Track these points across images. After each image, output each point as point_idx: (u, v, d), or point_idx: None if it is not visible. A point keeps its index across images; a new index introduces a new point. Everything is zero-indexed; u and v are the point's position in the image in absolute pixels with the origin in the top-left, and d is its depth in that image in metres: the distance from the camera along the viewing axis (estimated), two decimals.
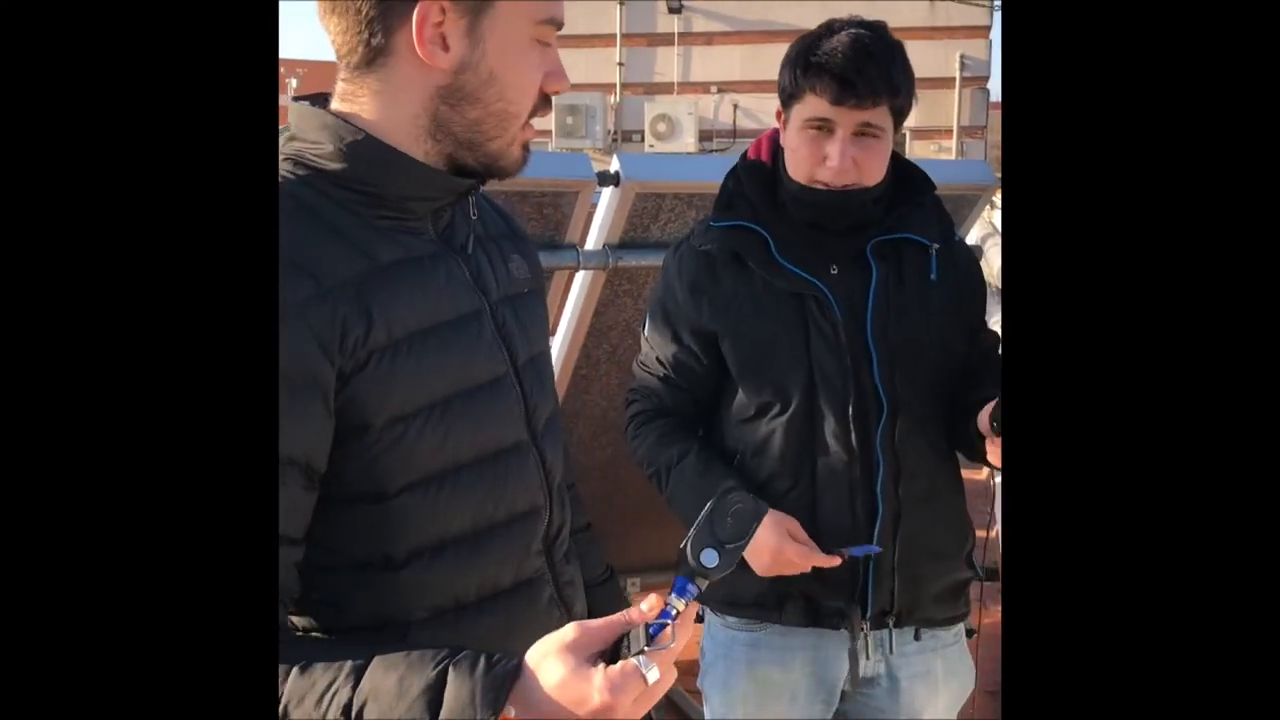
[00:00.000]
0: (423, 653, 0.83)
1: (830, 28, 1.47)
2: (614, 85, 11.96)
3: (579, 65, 11.92)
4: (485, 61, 0.94)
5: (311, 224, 0.90)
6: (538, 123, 1.01)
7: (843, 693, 1.64)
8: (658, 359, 1.61)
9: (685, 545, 0.87)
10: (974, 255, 1.71)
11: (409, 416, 0.91)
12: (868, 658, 1.59)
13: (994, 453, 1.44)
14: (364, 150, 0.93)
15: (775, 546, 1.47)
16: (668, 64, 12.05)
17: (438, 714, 0.78)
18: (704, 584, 0.86)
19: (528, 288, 1.11)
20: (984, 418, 1.43)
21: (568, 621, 0.97)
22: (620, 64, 11.89)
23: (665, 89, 11.99)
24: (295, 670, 0.80)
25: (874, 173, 1.50)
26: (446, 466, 0.94)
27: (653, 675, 0.79)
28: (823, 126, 1.45)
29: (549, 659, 0.80)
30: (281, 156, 0.94)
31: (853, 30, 1.45)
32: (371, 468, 0.89)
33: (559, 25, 0.98)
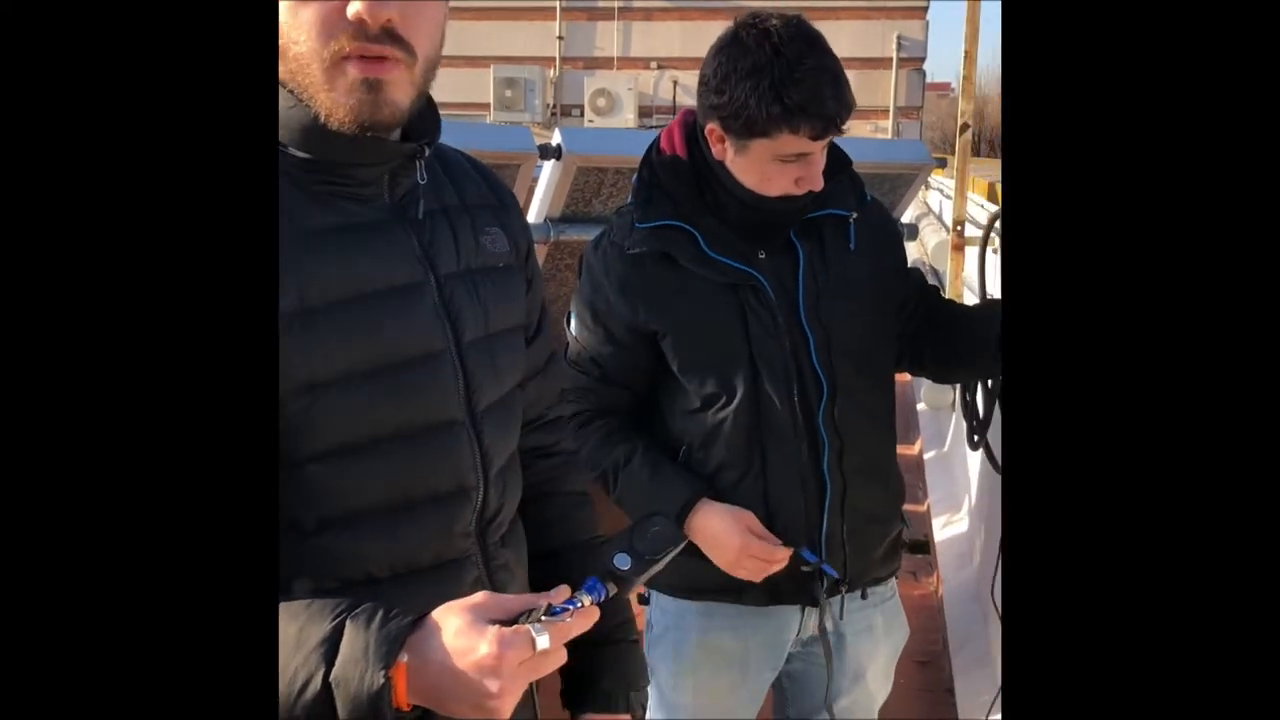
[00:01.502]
0: (324, 603, 0.84)
1: (788, 59, 1.41)
2: (553, 59, 11.87)
3: (518, 38, 11.81)
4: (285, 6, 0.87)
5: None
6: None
7: (789, 654, 1.69)
8: (592, 359, 1.59)
9: (608, 547, 0.92)
10: (885, 208, 1.73)
11: (322, 385, 0.89)
12: (824, 626, 1.65)
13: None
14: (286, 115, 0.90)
15: (739, 543, 1.50)
16: (608, 39, 11.99)
17: (334, 665, 0.80)
18: (612, 588, 0.90)
19: (502, 263, 1.07)
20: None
21: None
22: (560, 38, 11.79)
23: (605, 64, 11.93)
24: None
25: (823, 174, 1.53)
26: (361, 439, 0.92)
27: (542, 641, 0.81)
28: (800, 158, 1.47)
29: (451, 614, 0.82)
30: None
31: (812, 61, 1.42)
32: (285, 435, 0.87)
33: None
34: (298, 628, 0.82)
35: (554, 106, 11.75)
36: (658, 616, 1.70)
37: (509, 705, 0.82)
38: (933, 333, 1.70)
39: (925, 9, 11.94)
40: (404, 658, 0.81)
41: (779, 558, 1.52)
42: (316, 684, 0.80)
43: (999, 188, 2.69)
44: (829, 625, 1.65)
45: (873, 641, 1.71)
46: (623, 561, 0.91)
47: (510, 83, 10.88)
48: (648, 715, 1.74)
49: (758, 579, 1.54)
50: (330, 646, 0.81)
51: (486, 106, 10.61)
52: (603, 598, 0.89)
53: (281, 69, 0.88)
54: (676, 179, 1.55)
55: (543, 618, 0.83)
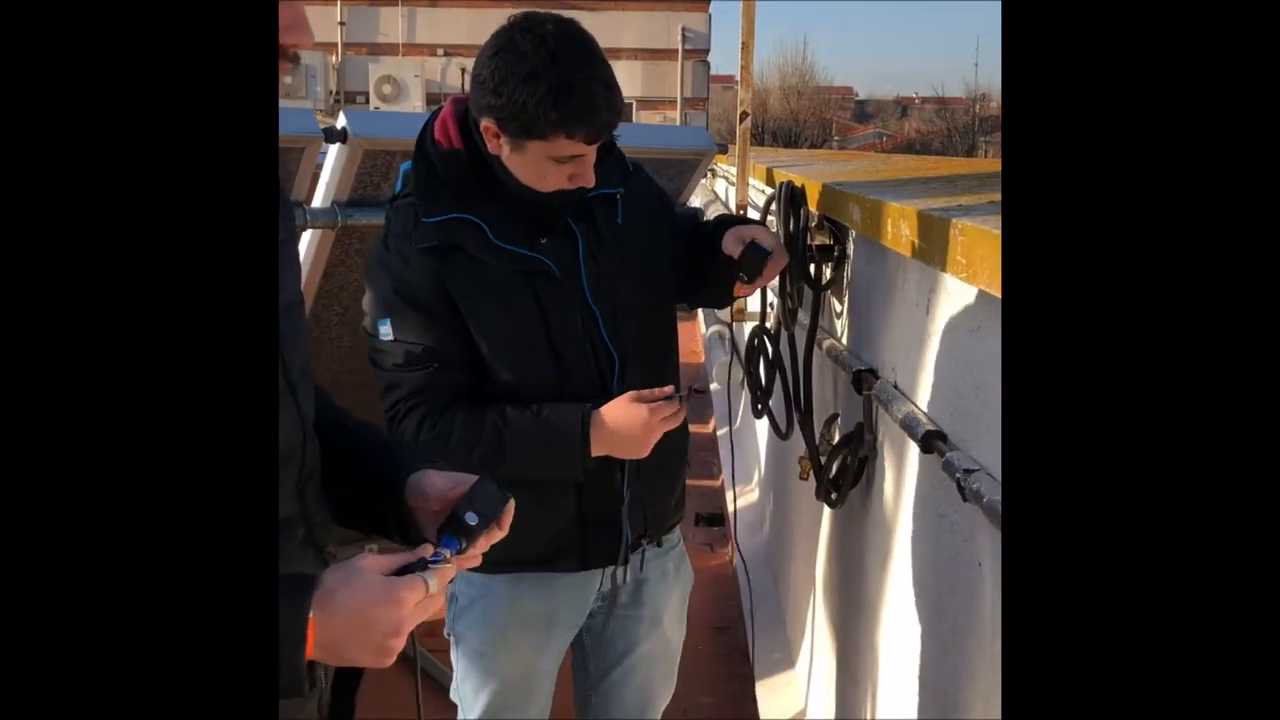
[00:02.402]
0: None
1: (563, 66, 1.46)
2: (336, 45, 11.50)
3: None
4: None
5: None
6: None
7: (590, 609, 1.79)
8: (425, 350, 1.58)
9: (456, 509, 1.07)
10: (645, 173, 1.81)
11: None
12: (625, 580, 1.76)
13: (739, 289, 1.73)
14: None
15: (646, 414, 1.57)
16: (392, 25, 11.72)
17: None
18: (464, 543, 1.05)
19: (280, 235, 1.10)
20: (734, 245, 1.68)
21: (320, 562, 1.03)
22: (341, 23, 11.44)
23: (390, 50, 11.66)
24: None
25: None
26: None
27: (433, 584, 0.95)
28: (574, 158, 1.53)
29: (345, 571, 0.93)
30: None
31: (586, 69, 1.47)
32: None
33: None
34: None
35: (337, 93, 11.40)
36: (464, 589, 1.74)
37: (401, 645, 0.93)
38: (692, 257, 1.79)
39: (708, 2, 12.29)
40: (311, 614, 0.89)
41: (676, 407, 1.61)
42: None
43: (775, 172, 2.83)
44: (628, 577, 1.76)
45: (667, 586, 1.83)
46: (471, 518, 1.06)
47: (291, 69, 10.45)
48: (456, 680, 1.79)
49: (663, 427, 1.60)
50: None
51: None
52: (458, 550, 1.04)
53: None
54: (458, 171, 1.58)
55: (428, 566, 0.97)
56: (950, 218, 1.32)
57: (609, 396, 1.61)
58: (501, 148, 1.53)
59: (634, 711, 1.88)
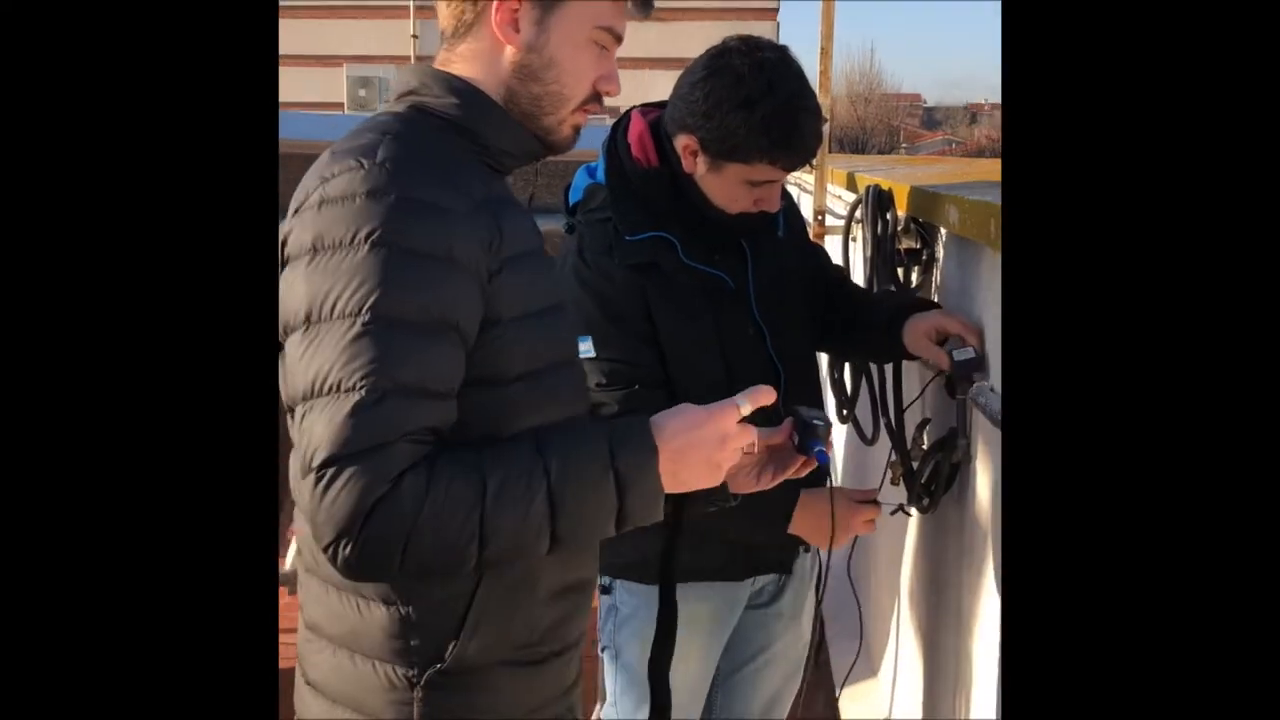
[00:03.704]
0: (593, 434, 1.09)
1: (780, 95, 1.49)
2: (409, 57, 11.68)
3: (372, 37, 11.59)
4: (548, 48, 1.16)
5: (452, 154, 1.11)
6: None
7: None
8: (624, 373, 1.57)
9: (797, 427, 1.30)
10: (791, 197, 1.85)
11: (518, 319, 1.11)
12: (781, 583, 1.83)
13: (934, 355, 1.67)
14: (475, 100, 1.15)
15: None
16: None
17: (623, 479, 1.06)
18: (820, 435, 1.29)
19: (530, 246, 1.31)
20: (934, 350, 1.65)
21: None
22: (415, 36, 11.62)
23: None
24: (480, 470, 1.01)
25: None
26: (539, 366, 1.14)
27: (745, 406, 1.16)
28: (767, 184, 1.56)
29: (672, 410, 1.13)
30: (404, 107, 1.15)
31: (800, 101, 1.51)
32: (495, 358, 1.09)
33: (618, 37, 1.19)
34: (579, 454, 1.07)
35: None
36: (624, 599, 1.74)
37: (730, 462, 1.13)
38: (835, 313, 1.81)
39: (776, 10, 12.26)
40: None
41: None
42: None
43: (857, 177, 2.81)
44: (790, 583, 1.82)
45: (805, 585, 1.87)
46: (817, 420, 1.30)
47: (364, 82, 10.67)
48: (612, 695, 1.79)
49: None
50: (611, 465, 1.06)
51: (340, 106, 10.38)
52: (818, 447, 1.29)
53: (526, 89, 1.17)
54: (656, 189, 1.61)
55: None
56: None
57: (776, 412, 1.60)
58: (697, 166, 1.57)
59: (760, 711, 1.87)
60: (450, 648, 1.10)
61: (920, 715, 2.23)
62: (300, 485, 1.00)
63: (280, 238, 1.07)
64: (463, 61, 1.18)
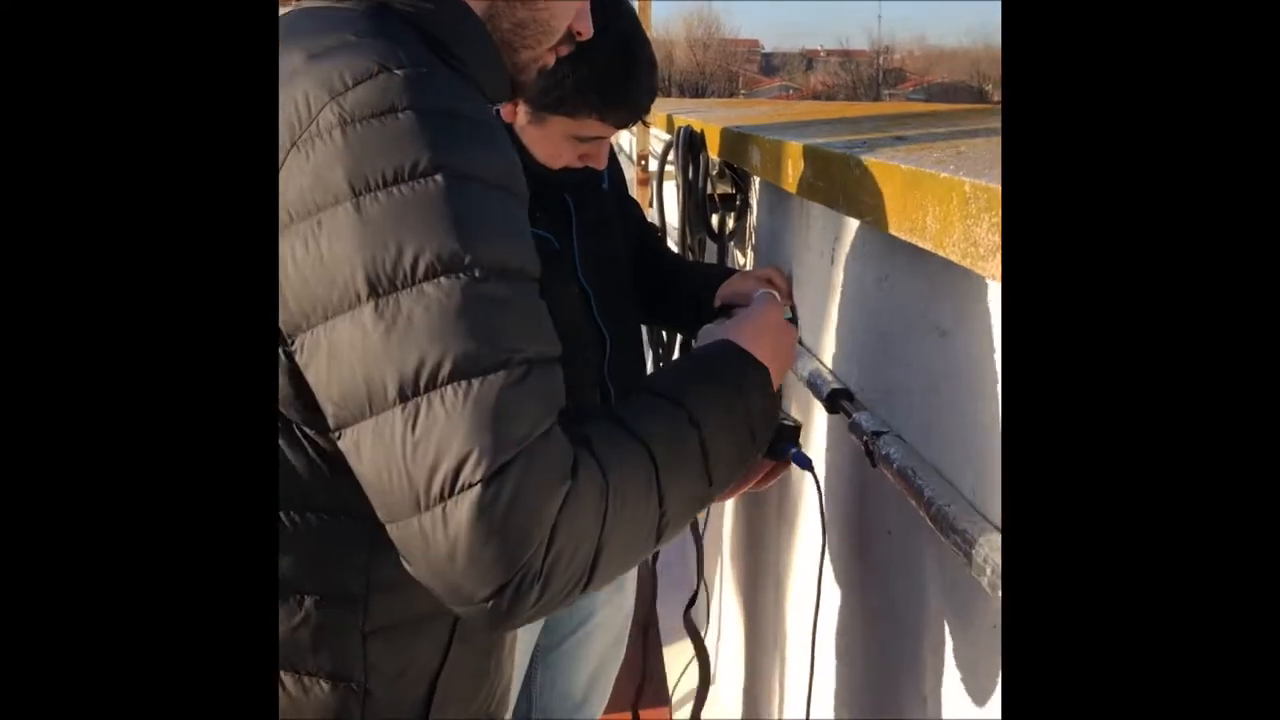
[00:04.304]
0: (702, 365, 0.98)
1: (611, 46, 1.31)
2: None
3: None
4: None
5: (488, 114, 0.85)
6: None
7: None
8: None
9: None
10: (613, 149, 1.71)
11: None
12: None
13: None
14: (451, 3, 0.90)
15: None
16: None
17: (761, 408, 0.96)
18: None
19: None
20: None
21: None
22: None
23: None
24: (634, 434, 0.83)
25: None
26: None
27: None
28: (595, 139, 1.40)
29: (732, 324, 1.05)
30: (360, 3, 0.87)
31: (632, 53, 1.35)
32: None
33: None
34: (716, 396, 0.94)
35: None
36: None
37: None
38: (644, 280, 1.69)
39: None
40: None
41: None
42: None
43: (675, 118, 2.70)
44: None
45: None
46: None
47: None
48: None
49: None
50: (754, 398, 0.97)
51: None
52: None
53: (512, 11, 0.96)
54: None
55: None
56: (854, 153, 1.21)
57: (602, 382, 1.51)
58: (517, 117, 1.39)
59: (584, 684, 1.77)
60: None
61: (742, 676, 2.19)
62: (416, 520, 0.72)
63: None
64: None
